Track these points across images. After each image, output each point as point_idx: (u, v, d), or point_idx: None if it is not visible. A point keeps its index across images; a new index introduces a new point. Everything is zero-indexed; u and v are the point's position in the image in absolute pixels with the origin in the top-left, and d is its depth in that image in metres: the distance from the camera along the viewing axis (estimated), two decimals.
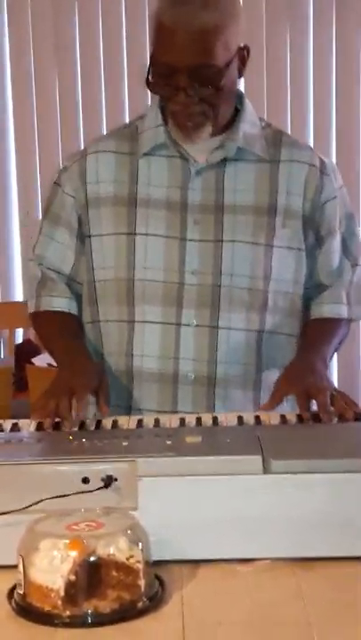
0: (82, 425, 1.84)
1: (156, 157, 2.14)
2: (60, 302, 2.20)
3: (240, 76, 2.09)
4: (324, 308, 2.20)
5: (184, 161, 2.12)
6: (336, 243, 2.20)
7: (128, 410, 2.15)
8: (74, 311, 2.21)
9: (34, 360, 3.95)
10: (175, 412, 2.10)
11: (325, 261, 2.20)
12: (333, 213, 2.18)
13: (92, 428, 1.83)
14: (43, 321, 2.23)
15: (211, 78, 1.98)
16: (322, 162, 2.18)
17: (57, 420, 1.85)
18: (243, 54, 2.05)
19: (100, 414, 1.93)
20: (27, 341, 4.50)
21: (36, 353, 4.01)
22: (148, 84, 2.03)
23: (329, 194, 2.17)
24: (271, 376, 2.15)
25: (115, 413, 2.14)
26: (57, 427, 1.84)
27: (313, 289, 2.21)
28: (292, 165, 2.14)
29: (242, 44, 2.04)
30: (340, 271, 2.21)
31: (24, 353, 4.20)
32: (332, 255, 2.20)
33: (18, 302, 4.63)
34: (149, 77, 2.02)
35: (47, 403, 1.89)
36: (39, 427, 1.83)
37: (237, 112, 2.13)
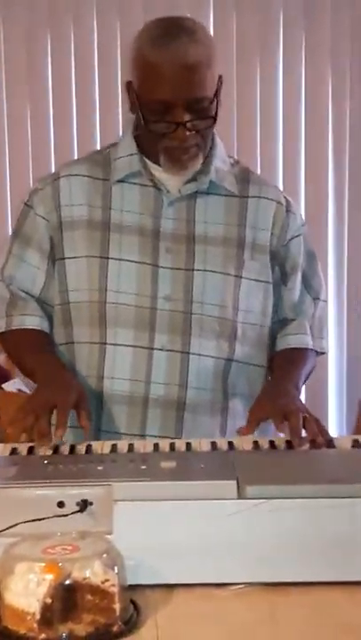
0: (56, 449, 1.83)
1: (129, 185, 2.16)
2: (33, 320, 2.19)
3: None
4: (290, 339, 2.23)
5: (157, 190, 2.14)
6: (299, 278, 2.25)
7: (96, 431, 2.15)
8: (46, 330, 2.20)
9: (4, 386, 3.93)
10: (143, 435, 2.12)
11: (289, 297, 2.24)
12: (298, 250, 2.24)
13: (67, 452, 1.83)
14: (15, 339, 2.20)
15: (206, 110, 2.02)
16: (287, 200, 2.25)
17: (31, 443, 1.84)
18: (219, 84, 2.08)
19: (83, 433, 1.91)
20: None
21: (6, 379, 3.99)
22: (145, 123, 2.03)
23: (294, 231, 2.23)
24: (238, 405, 2.18)
25: (81, 435, 2.14)
26: (31, 450, 1.83)
27: (278, 324, 2.25)
28: (260, 202, 2.19)
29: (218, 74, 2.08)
30: (302, 305, 2.25)
31: None
32: (295, 290, 2.25)
33: None
34: (143, 116, 2.03)
35: (25, 417, 1.87)
36: (12, 452, 1.83)
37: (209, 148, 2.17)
